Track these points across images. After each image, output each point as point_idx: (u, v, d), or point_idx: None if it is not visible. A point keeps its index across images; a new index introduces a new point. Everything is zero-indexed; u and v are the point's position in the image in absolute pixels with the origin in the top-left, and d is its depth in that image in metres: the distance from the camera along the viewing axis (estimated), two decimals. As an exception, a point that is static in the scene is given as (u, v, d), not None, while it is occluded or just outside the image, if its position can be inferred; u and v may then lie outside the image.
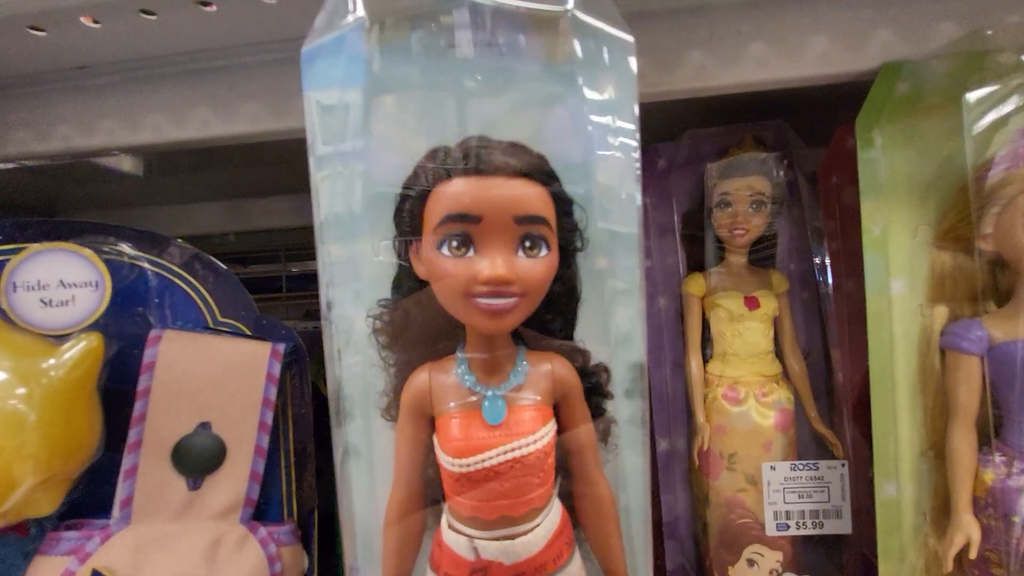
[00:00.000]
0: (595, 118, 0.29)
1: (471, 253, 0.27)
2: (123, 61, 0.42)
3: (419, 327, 0.30)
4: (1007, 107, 0.33)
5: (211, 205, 0.79)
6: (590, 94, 0.29)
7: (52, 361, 0.33)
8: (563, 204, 0.29)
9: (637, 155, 0.30)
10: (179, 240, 0.41)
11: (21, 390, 0.32)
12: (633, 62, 0.30)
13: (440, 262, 0.27)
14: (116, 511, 0.37)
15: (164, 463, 0.37)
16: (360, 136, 0.28)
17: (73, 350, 0.34)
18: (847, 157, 0.40)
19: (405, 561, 0.30)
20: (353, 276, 0.30)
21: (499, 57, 0.29)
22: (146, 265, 0.40)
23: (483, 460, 0.27)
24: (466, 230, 0.26)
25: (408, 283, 0.30)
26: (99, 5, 0.34)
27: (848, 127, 0.40)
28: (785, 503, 0.45)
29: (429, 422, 0.29)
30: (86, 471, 0.37)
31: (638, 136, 0.30)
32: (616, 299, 0.31)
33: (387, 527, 0.30)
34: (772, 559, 0.45)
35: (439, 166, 0.27)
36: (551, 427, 0.28)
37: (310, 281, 0.97)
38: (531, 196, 0.27)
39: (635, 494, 0.31)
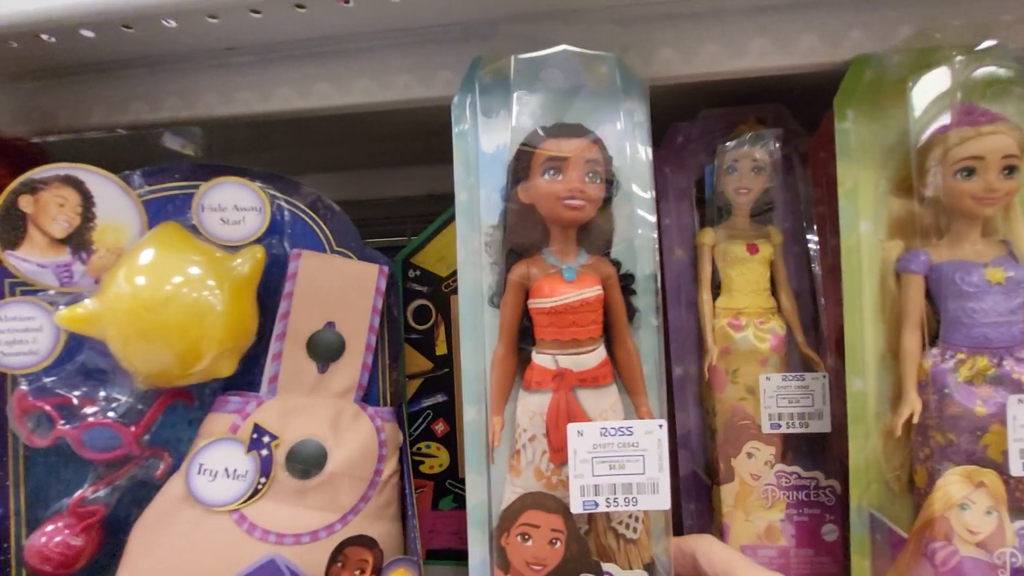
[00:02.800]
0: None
1: (560, 177, 0.43)
2: (263, 44, 0.53)
3: (516, 238, 0.45)
4: (943, 90, 0.45)
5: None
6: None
7: (237, 262, 0.45)
8: (607, 159, 0.45)
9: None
10: (304, 186, 0.53)
11: (211, 282, 0.44)
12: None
13: (543, 184, 0.43)
14: (264, 386, 0.48)
15: (300, 351, 0.48)
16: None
17: (246, 256, 0.46)
18: (832, 137, 0.52)
19: (504, 390, 0.44)
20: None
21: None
22: (282, 203, 0.51)
23: (564, 299, 0.43)
24: (558, 165, 0.42)
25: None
26: (267, 1, 0.46)
27: (832, 112, 0.51)
28: (777, 407, 0.56)
29: (524, 293, 0.44)
30: (243, 358, 0.48)
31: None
32: (635, 233, 0.46)
33: (493, 368, 0.44)
34: (767, 452, 0.56)
35: (545, 134, 0.44)
36: (600, 288, 0.44)
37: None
38: (593, 148, 0.44)
39: (650, 354, 0.46)
